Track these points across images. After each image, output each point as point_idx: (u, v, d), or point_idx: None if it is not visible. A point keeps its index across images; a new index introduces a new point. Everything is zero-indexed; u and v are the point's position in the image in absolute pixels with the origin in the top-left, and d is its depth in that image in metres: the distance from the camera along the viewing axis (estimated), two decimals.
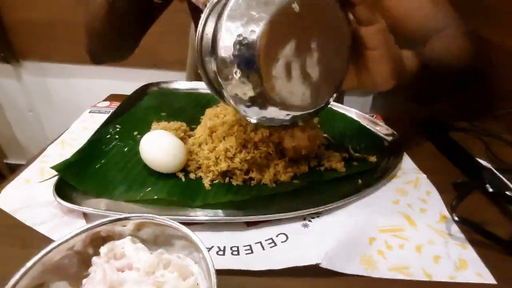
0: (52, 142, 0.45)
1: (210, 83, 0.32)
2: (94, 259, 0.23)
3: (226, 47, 0.26)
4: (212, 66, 0.28)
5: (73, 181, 0.36)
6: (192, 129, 0.45)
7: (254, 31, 0.25)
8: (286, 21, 0.26)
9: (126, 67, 1.31)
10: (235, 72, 0.26)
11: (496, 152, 0.45)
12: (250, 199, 0.35)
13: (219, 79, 0.27)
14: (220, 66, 0.27)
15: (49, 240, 0.31)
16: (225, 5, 0.26)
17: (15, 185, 0.37)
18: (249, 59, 0.26)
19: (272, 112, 0.29)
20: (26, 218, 0.33)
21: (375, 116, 0.51)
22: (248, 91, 0.28)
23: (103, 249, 0.23)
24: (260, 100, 0.28)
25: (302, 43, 0.28)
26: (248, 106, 0.29)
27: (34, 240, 0.31)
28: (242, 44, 0.26)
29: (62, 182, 0.36)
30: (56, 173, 0.37)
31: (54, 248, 0.22)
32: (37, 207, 0.34)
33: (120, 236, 0.24)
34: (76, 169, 0.38)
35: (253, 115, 0.29)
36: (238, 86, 0.27)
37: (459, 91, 0.52)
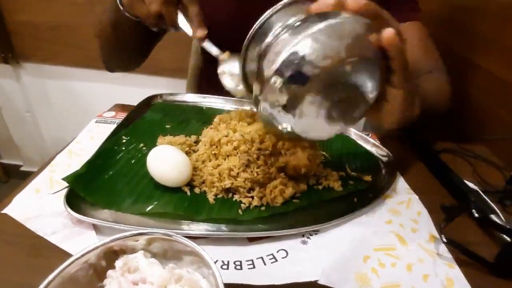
0: (60, 152, 0.46)
1: (246, 81, 0.34)
2: (110, 272, 0.24)
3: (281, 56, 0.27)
4: (257, 65, 0.30)
5: (83, 192, 0.38)
6: (196, 143, 0.47)
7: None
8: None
9: (127, 72, 1.33)
10: (277, 81, 0.27)
11: (483, 174, 0.48)
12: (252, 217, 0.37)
13: (260, 82, 0.29)
14: (265, 69, 0.28)
15: (60, 250, 0.32)
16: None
17: (25, 194, 0.38)
18: (299, 75, 0.27)
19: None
20: (37, 227, 0.34)
21: (370, 135, 0.53)
22: (283, 100, 0.28)
23: (118, 263, 0.24)
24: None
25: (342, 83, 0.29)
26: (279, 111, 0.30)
27: (44, 249, 0.33)
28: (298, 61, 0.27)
29: (72, 193, 0.37)
30: (66, 184, 0.38)
31: (73, 261, 0.24)
32: (48, 217, 0.36)
33: (132, 250, 0.26)
34: (85, 180, 0.39)
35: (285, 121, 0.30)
36: (276, 94, 0.28)
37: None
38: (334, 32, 0.27)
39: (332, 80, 0.28)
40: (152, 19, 0.45)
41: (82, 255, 0.24)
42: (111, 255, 0.26)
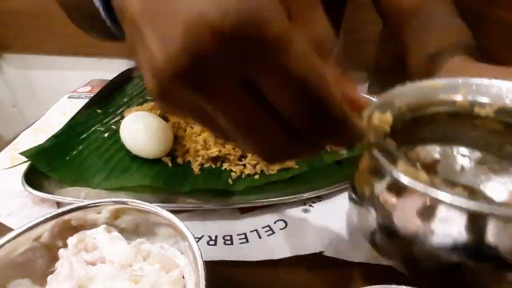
0: (26, 129, 0.40)
1: None
2: (61, 251, 0.19)
3: None
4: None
5: (45, 168, 0.32)
6: None
7: None
8: None
9: (114, 58, 1.26)
10: None
11: None
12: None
13: None
14: None
15: None
16: None
17: None
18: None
19: None
20: None
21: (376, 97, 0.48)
22: None
23: (71, 240, 0.19)
24: None
25: None
26: None
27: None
28: None
29: (33, 170, 0.32)
30: (26, 159, 0.33)
31: (15, 237, 0.18)
32: (5, 198, 0.30)
33: (94, 226, 0.21)
34: (49, 155, 0.34)
35: None
36: None
37: None
38: None
39: None
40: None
41: (28, 229, 0.19)
42: (69, 233, 0.21)
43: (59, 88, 1.54)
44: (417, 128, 0.25)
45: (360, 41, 0.72)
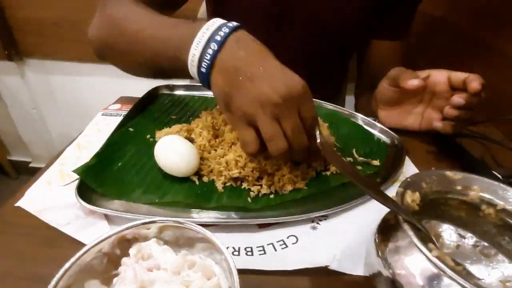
0: (69, 145, 0.46)
1: None
2: (124, 259, 0.25)
3: None
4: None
5: (93, 184, 0.38)
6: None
7: None
8: None
9: None
10: None
11: (495, 156, 0.47)
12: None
13: None
14: None
15: (74, 240, 0.33)
16: None
17: (37, 187, 0.39)
18: None
19: None
20: (51, 219, 0.35)
21: (377, 120, 0.53)
22: None
23: (132, 250, 0.25)
24: None
25: None
26: None
27: (59, 240, 0.33)
28: None
29: (83, 185, 0.38)
30: (77, 176, 0.38)
31: (88, 250, 0.24)
32: (61, 209, 0.36)
33: (145, 238, 0.26)
34: (95, 172, 0.40)
35: None
36: None
37: None
38: None
39: None
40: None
41: (97, 244, 0.25)
42: (124, 244, 0.26)
43: (77, 93, 1.62)
44: (432, 206, 0.31)
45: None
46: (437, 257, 0.23)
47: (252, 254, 0.32)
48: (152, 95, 0.60)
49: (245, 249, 0.32)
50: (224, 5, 0.64)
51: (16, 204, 0.37)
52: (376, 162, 0.43)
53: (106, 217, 0.35)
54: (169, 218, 0.26)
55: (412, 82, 0.46)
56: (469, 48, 0.72)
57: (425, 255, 0.24)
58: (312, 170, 0.42)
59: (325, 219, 0.36)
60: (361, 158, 0.44)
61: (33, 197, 0.38)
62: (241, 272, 0.29)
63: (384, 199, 0.26)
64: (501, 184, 0.29)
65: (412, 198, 0.27)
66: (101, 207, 0.35)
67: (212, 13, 0.69)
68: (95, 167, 0.40)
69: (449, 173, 0.30)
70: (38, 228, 0.34)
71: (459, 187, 0.30)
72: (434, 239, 0.26)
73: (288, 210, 0.37)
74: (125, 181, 0.40)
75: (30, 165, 1.69)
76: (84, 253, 0.24)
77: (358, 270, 0.30)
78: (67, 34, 1.31)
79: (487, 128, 0.54)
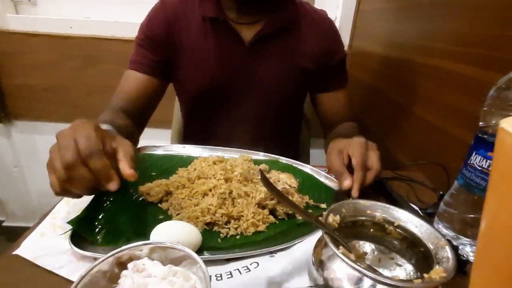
0: (59, 202, 0.57)
1: None
2: (124, 272, 0.36)
3: None
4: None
5: (85, 233, 0.49)
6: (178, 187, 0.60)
7: None
8: None
9: None
10: None
11: (418, 195, 0.64)
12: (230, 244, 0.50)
13: None
14: None
15: (70, 282, 0.42)
16: None
17: (32, 238, 0.49)
18: None
19: None
20: (47, 264, 0.45)
21: (326, 170, 0.70)
22: None
23: (130, 265, 0.36)
24: None
25: None
26: None
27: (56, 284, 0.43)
28: None
29: (74, 234, 0.48)
30: (70, 227, 0.49)
31: (93, 268, 0.35)
32: (55, 255, 0.46)
33: (138, 258, 0.38)
34: (86, 223, 0.50)
35: None
36: None
37: None
38: None
39: None
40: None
41: (101, 262, 0.36)
42: (122, 265, 0.37)
43: None
44: (355, 228, 0.45)
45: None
46: (343, 254, 0.36)
47: (221, 279, 0.43)
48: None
49: (215, 275, 0.43)
50: (181, 96, 0.96)
51: (14, 253, 0.46)
52: (323, 205, 0.58)
53: (96, 260, 0.45)
54: (157, 241, 0.38)
55: (345, 183, 0.59)
56: (395, 113, 0.97)
57: (339, 257, 0.37)
58: (272, 217, 0.56)
59: (281, 250, 0.48)
60: (312, 203, 0.59)
61: (29, 246, 0.47)
62: None
63: (310, 217, 0.40)
64: (395, 207, 0.45)
65: (333, 218, 0.42)
66: (92, 251, 0.46)
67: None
68: (85, 219, 0.51)
69: (361, 201, 0.45)
70: (37, 273, 0.44)
71: (368, 211, 0.45)
72: (347, 245, 0.40)
73: (251, 247, 0.49)
74: (113, 230, 0.51)
75: (4, 224, 1.67)
76: (91, 269, 0.35)
77: (304, 283, 0.42)
78: (57, 98, 1.51)
79: (413, 172, 0.73)
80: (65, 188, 0.45)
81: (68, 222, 0.50)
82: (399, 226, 0.43)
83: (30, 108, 1.53)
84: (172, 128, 1.15)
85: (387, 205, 0.45)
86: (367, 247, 0.47)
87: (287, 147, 0.95)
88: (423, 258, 0.40)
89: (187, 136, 1.02)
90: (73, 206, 0.56)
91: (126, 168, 0.47)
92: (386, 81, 1.10)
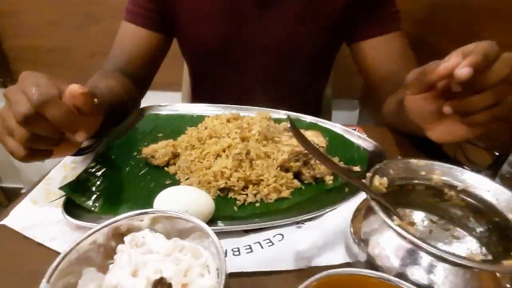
0: (55, 166, 0.51)
1: None
2: (120, 246, 0.29)
3: None
4: None
5: (79, 200, 0.43)
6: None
7: None
8: None
9: None
10: None
11: (467, 154, 0.55)
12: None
13: None
14: None
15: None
16: None
17: (22, 206, 0.43)
18: None
19: None
20: (37, 235, 0.39)
21: (357, 129, 0.61)
22: None
23: (127, 238, 0.30)
24: None
25: None
26: None
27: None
28: None
29: (69, 202, 0.42)
30: (64, 193, 0.43)
31: (84, 239, 0.29)
32: (47, 226, 0.40)
33: (138, 230, 0.31)
34: (81, 189, 0.45)
35: None
36: None
37: None
38: None
39: None
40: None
41: (93, 232, 0.29)
42: (119, 237, 0.31)
43: None
44: (402, 193, 0.37)
45: (352, 72, 0.89)
46: (400, 226, 0.28)
47: (239, 254, 0.36)
48: (138, 115, 0.67)
49: (232, 249, 0.37)
50: (186, 54, 0.83)
51: (1, 223, 0.41)
52: (357, 168, 0.50)
53: None
54: (161, 209, 0.31)
55: (443, 67, 0.35)
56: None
57: (389, 225, 0.29)
58: (297, 180, 0.48)
59: (310, 220, 0.41)
60: (343, 165, 0.51)
61: (19, 215, 0.42)
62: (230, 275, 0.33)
63: (353, 179, 0.33)
64: (459, 168, 0.36)
65: (379, 182, 0.34)
66: (88, 221, 0.40)
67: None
68: (81, 183, 0.45)
69: (413, 161, 0.37)
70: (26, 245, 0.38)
71: (423, 173, 0.36)
72: (398, 213, 0.32)
73: (274, 217, 0.42)
74: (111, 197, 0.44)
75: (22, 191, 1.72)
76: (82, 240, 0.29)
77: (338, 259, 0.35)
78: (60, 60, 1.47)
79: None
80: (30, 149, 0.38)
81: (61, 188, 0.44)
82: (464, 191, 0.35)
83: (34, 71, 1.49)
84: (182, 91, 1.07)
85: (449, 165, 0.36)
86: (415, 215, 0.39)
87: (307, 108, 0.82)
88: (498, 232, 0.32)
89: (197, 99, 0.93)
90: (70, 171, 0.50)
91: (73, 86, 0.38)
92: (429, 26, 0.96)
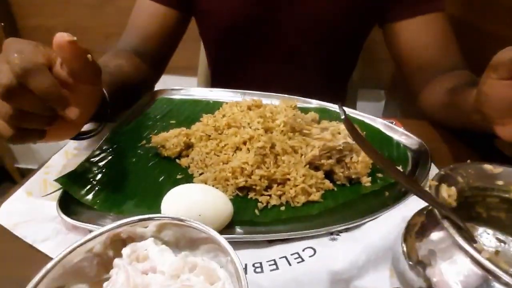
0: (56, 153, 0.46)
1: None
2: (116, 261, 0.24)
3: None
4: None
5: (77, 194, 0.38)
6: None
7: None
8: None
9: None
10: None
11: None
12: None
13: None
14: None
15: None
16: None
17: (15, 199, 0.39)
18: None
19: None
20: (26, 234, 0.34)
21: (394, 122, 0.53)
22: None
23: (125, 251, 0.24)
24: None
25: None
26: None
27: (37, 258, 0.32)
28: None
29: (66, 196, 0.37)
30: (60, 186, 0.38)
31: (73, 250, 0.23)
32: (39, 223, 0.36)
33: (142, 238, 0.26)
34: (81, 182, 0.39)
35: None
36: None
37: None
38: None
39: None
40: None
41: (84, 243, 0.24)
42: (118, 244, 0.26)
43: None
44: (467, 205, 0.30)
45: (378, 60, 0.80)
46: (489, 260, 0.22)
47: (262, 271, 0.30)
48: (150, 100, 0.61)
49: (253, 265, 0.31)
50: (205, 33, 0.76)
51: None
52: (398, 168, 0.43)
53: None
54: (167, 215, 0.25)
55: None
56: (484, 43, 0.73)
57: (472, 256, 0.23)
58: (328, 181, 0.42)
59: (346, 231, 0.35)
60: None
61: (10, 210, 0.37)
62: None
63: (418, 190, 0.26)
64: None
65: (448, 193, 0.27)
66: (86, 221, 0.34)
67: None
68: (81, 176, 0.40)
69: (488, 166, 0.30)
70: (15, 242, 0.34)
71: (500, 182, 0.29)
72: (472, 233, 0.25)
73: (302, 224, 0.36)
74: (115, 191, 0.39)
75: None
76: (70, 252, 0.23)
77: (384, 283, 0.28)
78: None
79: None
80: (19, 128, 0.33)
81: (57, 180, 0.39)
82: None
83: None
84: (198, 76, 1.01)
85: None
86: (478, 232, 0.32)
87: (332, 97, 0.74)
88: None
89: (215, 85, 0.87)
90: (72, 159, 0.45)
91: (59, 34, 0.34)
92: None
